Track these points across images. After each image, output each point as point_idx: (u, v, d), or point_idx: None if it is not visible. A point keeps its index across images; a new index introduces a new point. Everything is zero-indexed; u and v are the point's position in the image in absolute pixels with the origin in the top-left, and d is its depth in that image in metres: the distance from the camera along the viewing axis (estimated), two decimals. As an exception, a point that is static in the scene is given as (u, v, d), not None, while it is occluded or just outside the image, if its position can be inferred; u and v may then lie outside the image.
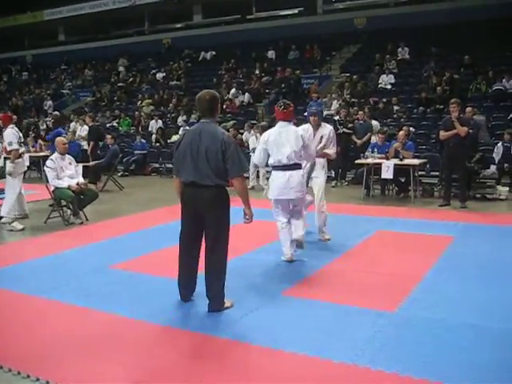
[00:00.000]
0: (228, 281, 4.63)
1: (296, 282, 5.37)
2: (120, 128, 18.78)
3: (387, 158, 10.24)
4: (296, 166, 5.91)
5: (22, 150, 8.54)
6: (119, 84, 23.73)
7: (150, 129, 17.48)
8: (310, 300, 4.83)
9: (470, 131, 9.50)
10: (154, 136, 16.73)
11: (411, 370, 3.44)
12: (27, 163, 8.87)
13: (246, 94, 18.55)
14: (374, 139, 11.96)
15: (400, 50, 18.42)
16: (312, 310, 4.58)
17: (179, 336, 4.12)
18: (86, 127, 14.02)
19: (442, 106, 14.16)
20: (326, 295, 4.93)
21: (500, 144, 10.97)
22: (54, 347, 3.93)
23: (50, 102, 23.35)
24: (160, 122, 17.51)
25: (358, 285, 5.25)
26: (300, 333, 4.08)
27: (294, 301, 4.84)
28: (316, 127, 6.84)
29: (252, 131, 13.50)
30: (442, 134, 9.42)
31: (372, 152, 10.70)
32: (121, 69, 25.43)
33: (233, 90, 18.59)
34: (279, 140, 5.85)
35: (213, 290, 4.55)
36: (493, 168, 10.78)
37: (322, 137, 6.85)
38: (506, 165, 10.62)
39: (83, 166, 9.50)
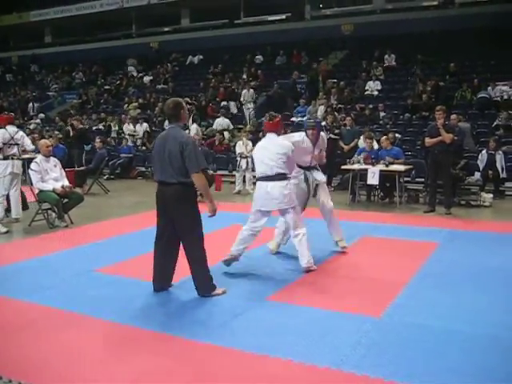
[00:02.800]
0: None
1: (280, 287, 5.36)
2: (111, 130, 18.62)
3: (373, 164, 10.29)
4: (278, 177, 5.74)
5: (13, 151, 8.45)
6: (106, 87, 23.62)
7: (136, 131, 17.41)
8: (295, 305, 4.82)
9: (455, 138, 9.58)
10: (138, 140, 16.69)
11: (396, 376, 3.45)
12: (18, 168, 8.59)
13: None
14: (361, 144, 11.99)
15: (387, 56, 18.56)
16: (296, 315, 4.57)
17: (163, 340, 4.09)
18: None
19: (427, 113, 14.30)
20: (311, 300, 4.93)
21: (484, 151, 11.09)
22: (37, 351, 3.89)
23: (30, 105, 23.16)
24: (145, 125, 17.45)
25: (343, 290, 5.26)
26: (284, 338, 4.08)
27: (278, 306, 4.83)
28: (315, 141, 6.57)
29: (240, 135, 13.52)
30: (428, 141, 9.48)
31: (358, 155, 10.73)
32: (131, 68, 25.28)
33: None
34: (263, 152, 5.84)
35: (198, 279, 4.98)
36: (477, 175, 10.89)
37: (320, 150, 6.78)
38: (490, 172, 10.74)
39: (68, 171, 9.38)
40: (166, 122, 17.26)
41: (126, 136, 17.01)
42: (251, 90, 17.72)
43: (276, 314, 4.63)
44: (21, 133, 8.91)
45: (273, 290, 5.24)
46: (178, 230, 4.92)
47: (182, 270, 5.16)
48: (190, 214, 4.90)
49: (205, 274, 4.99)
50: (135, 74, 24.67)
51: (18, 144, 8.58)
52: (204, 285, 5.00)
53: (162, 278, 5.15)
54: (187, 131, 5.88)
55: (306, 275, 5.75)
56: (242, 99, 18.02)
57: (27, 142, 8.90)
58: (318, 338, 4.07)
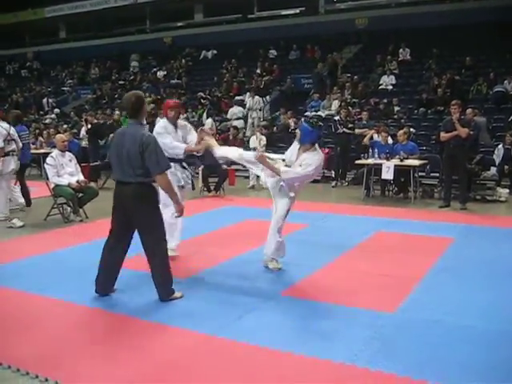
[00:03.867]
0: (228, 280, 4.60)
1: (295, 282, 5.36)
2: (122, 125, 18.75)
3: (388, 159, 10.24)
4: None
5: (12, 147, 8.48)
6: (120, 82, 23.71)
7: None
8: (309, 300, 4.83)
9: (471, 133, 9.49)
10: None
11: (410, 371, 3.44)
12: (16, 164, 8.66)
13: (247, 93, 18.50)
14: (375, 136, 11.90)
15: (401, 50, 18.41)
16: (311, 310, 4.58)
17: (177, 335, 4.11)
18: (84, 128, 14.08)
19: (442, 108, 14.18)
20: (325, 296, 4.93)
21: (501, 146, 10.98)
22: (54, 345, 3.93)
23: (45, 100, 23.32)
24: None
25: (358, 285, 5.24)
26: (299, 333, 4.09)
27: (292, 301, 4.84)
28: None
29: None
30: (443, 136, 9.41)
31: (373, 156, 10.64)
32: (134, 63, 25.40)
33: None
34: None
35: (158, 283, 4.75)
36: (493, 170, 10.80)
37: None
38: (506, 167, 10.63)
39: (83, 166, 9.43)
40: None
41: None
42: (256, 97, 17.41)
43: (290, 309, 4.64)
44: (13, 128, 8.82)
45: (287, 285, 5.25)
46: (139, 232, 4.71)
47: (194, 266, 5.16)
48: (151, 216, 4.67)
49: (165, 278, 4.74)
50: (137, 69, 24.84)
51: (14, 140, 8.57)
52: (164, 289, 4.75)
53: (107, 280, 4.90)
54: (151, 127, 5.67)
55: (321, 270, 5.74)
56: (247, 106, 17.46)
57: (18, 139, 8.83)
58: (332, 333, 4.07)
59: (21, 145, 8.77)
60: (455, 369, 3.51)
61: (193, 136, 6.36)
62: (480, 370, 3.49)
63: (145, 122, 4.92)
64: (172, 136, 6.15)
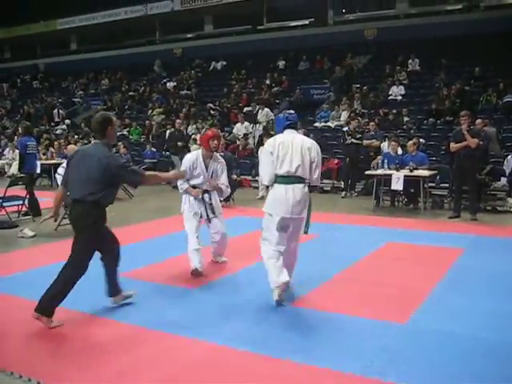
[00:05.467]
0: (239, 290, 4.59)
1: (305, 292, 5.35)
2: (130, 137, 18.90)
3: (397, 170, 10.24)
4: None
5: None
6: (130, 93, 23.88)
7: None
8: (319, 311, 4.82)
9: (481, 143, 9.48)
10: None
11: (421, 383, 3.43)
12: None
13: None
14: (384, 148, 11.89)
15: (410, 61, 18.44)
16: (321, 320, 4.58)
17: (190, 345, 4.11)
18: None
19: (451, 118, 14.18)
20: (336, 306, 4.92)
21: (510, 156, 10.94)
22: (64, 354, 3.95)
23: (55, 111, 23.51)
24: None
25: (368, 296, 5.24)
26: (308, 343, 4.08)
27: (303, 311, 4.84)
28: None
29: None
30: (453, 146, 9.40)
31: (383, 166, 10.65)
32: (158, 70, 25.66)
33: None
34: None
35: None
36: (503, 180, 10.76)
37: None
38: (516, 176, 10.60)
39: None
40: (190, 128, 17.48)
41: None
42: (265, 109, 17.38)
43: (300, 319, 4.64)
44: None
45: (297, 295, 5.24)
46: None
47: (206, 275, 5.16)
48: (82, 237, 4.71)
49: (51, 297, 4.58)
50: (162, 74, 24.99)
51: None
52: (44, 306, 4.55)
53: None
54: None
55: (331, 281, 5.74)
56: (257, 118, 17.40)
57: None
58: (343, 343, 4.07)
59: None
60: (468, 381, 3.49)
61: (223, 176, 6.26)
62: (493, 383, 3.47)
63: (111, 143, 4.87)
64: (199, 169, 6.08)
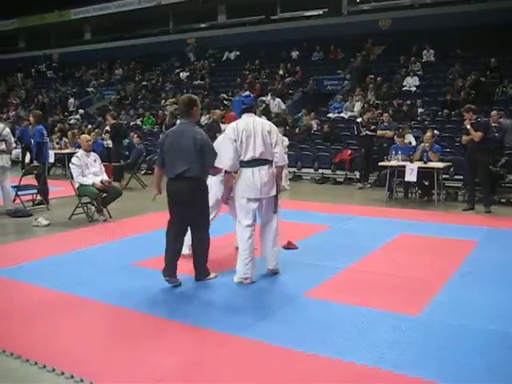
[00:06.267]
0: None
1: (318, 283, 5.35)
2: (144, 126, 18.93)
3: (411, 161, 10.17)
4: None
5: (1, 147, 8.98)
6: (143, 83, 23.89)
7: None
8: (332, 302, 4.82)
9: (496, 134, 9.38)
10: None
11: (434, 375, 3.42)
12: (7, 161, 9.17)
13: (269, 94, 18.49)
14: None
15: (425, 51, 18.24)
16: (334, 312, 4.57)
17: (197, 334, 4.13)
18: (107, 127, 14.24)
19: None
20: (348, 297, 4.91)
21: (527, 149, 10.83)
22: (78, 342, 3.98)
23: (71, 100, 23.66)
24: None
25: (381, 288, 5.22)
26: (321, 335, 4.08)
27: (315, 303, 4.83)
28: None
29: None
30: (464, 139, 9.42)
31: (396, 154, 10.60)
32: (190, 55, 25.51)
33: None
34: None
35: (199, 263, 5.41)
36: (519, 172, 10.64)
37: None
38: (532, 169, 10.48)
39: (106, 166, 9.50)
40: (202, 118, 17.46)
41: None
42: (277, 99, 17.22)
43: (313, 310, 4.63)
44: (7, 129, 9.40)
45: (310, 286, 5.23)
46: (192, 221, 5.22)
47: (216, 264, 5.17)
48: (204, 205, 5.24)
49: (206, 260, 5.36)
50: (193, 59, 24.87)
51: (5, 140, 9.10)
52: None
53: (174, 266, 5.28)
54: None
55: (344, 272, 5.73)
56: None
57: (11, 140, 9.39)
58: (356, 335, 4.06)
59: (14, 145, 9.60)
60: (482, 373, 3.47)
61: None
62: (508, 375, 3.45)
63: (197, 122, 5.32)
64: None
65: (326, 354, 3.71)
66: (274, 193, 5.39)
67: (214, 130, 13.45)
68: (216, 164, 5.18)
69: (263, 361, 3.70)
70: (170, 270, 5.23)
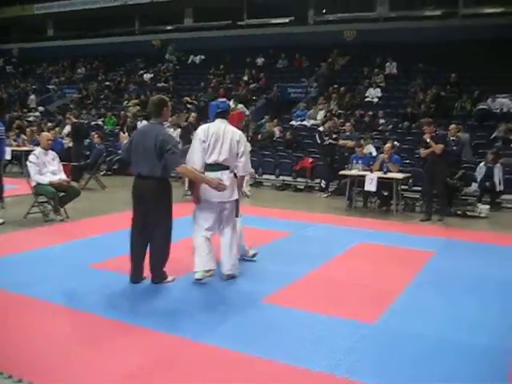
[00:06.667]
0: (208, 285, 4.57)
1: (276, 289, 5.33)
2: (105, 127, 18.67)
3: (371, 171, 10.30)
4: None
5: None
6: (106, 83, 23.58)
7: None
8: (291, 308, 4.81)
9: (454, 148, 9.62)
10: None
11: (388, 382, 3.45)
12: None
13: (232, 100, 18.49)
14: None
15: (388, 64, 18.58)
16: (291, 318, 4.56)
17: (161, 338, 4.07)
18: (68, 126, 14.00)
19: (427, 123, 14.33)
20: (306, 304, 4.92)
21: (482, 164, 11.10)
22: (31, 346, 3.87)
23: (32, 97, 23.17)
24: (145, 122, 17.37)
25: (339, 295, 5.26)
26: (278, 341, 4.07)
27: (273, 308, 4.82)
28: None
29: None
30: (422, 152, 9.64)
31: (356, 163, 10.73)
32: (171, 58, 24.89)
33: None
34: None
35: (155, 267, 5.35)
36: (474, 186, 10.91)
37: None
38: (487, 183, 10.76)
39: (64, 165, 9.28)
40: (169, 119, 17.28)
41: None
42: (239, 105, 16.90)
43: (271, 316, 4.62)
44: None
45: (268, 292, 5.21)
46: (152, 221, 5.15)
47: (174, 268, 5.13)
48: (165, 206, 5.16)
49: (164, 263, 5.29)
50: (175, 59, 24.51)
51: None
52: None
53: (138, 269, 5.27)
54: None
55: (303, 279, 5.74)
56: None
57: None
58: (313, 341, 4.06)
59: None
60: (434, 381, 3.52)
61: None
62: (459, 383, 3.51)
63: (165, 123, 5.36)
64: None
65: (283, 361, 3.70)
66: (235, 197, 5.44)
67: (189, 133, 13.38)
68: (186, 163, 5.21)
69: (216, 367, 3.65)
70: (136, 275, 5.26)
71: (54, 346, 3.90)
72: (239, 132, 5.51)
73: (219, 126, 5.38)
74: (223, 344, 3.94)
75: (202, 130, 5.41)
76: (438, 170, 9.34)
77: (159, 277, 5.29)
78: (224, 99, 6.19)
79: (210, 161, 5.31)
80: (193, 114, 15.95)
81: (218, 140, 5.30)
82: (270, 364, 3.67)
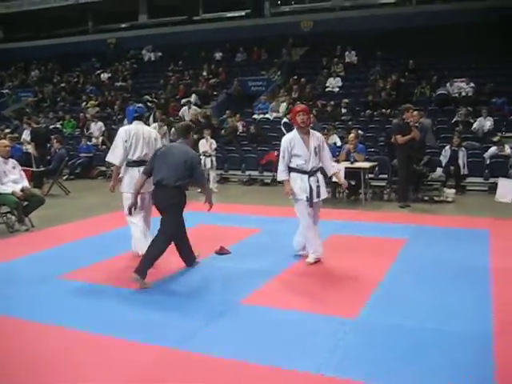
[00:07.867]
0: (186, 289, 4.47)
1: (254, 289, 5.26)
2: (64, 130, 18.24)
3: (338, 161, 10.30)
4: None
5: None
6: (62, 84, 23.03)
7: (91, 131, 16.97)
8: (270, 308, 4.76)
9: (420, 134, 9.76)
10: (94, 139, 16.36)
11: (376, 377, 3.43)
12: None
13: (193, 95, 18.34)
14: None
15: (347, 53, 18.64)
16: (273, 318, 4.50)
17: (140, 349, 3.95)
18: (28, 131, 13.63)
19: (388, 110, 14.45)
20: (286, 302, 4.87)
21: (448, 147, 11.25)
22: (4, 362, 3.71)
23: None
24: (100, 124, 17.04)
25: (316, 290, 5.22)
26: (262, 342, 4.01)
27: (253, 309, 4.76)
28: None
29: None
30: (402, 139, 9.49)
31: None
32: (148, 54, 24.18)
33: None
34: None
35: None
36: (439, 171, 11.04)
37: None
38: (452, 167, 10.90)
39: (24, 171, 8.98)
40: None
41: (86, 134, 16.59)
42: (193, 107, 16.87)
43: (252, 317, 4.55)
44: None
45: (246, 292, 5.14)
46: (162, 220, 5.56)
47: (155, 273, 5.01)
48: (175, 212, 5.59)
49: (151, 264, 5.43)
50: (153, 58, 23.96)
51: None
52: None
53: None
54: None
55: (278, 276, 5.68)
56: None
57: None
58: (296, 341, 4.01)
59: None
60: (421, 372, 3.51)
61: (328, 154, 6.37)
62: (445, 373, 3.51)
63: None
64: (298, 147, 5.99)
65: (268, 363, 3.64)
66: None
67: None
68: (107, 158, 6.41)
69: (201, 373, 3.57)
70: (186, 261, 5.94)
71: (24, 362, 3.74)
72: (155, 131, 6.72)
73: (138, 128, 6.33)
74: (206, 350, 3.85)
75: (123, 131, 6.30)
76: (414, 155, 9.57)
77: (140, 272, 5.25)
78: (141, 105, 7.05)
79: (134, 158, 6.23)
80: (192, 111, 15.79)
81: (139, 139, 6.24)
82: (256, 367, 3.60)
